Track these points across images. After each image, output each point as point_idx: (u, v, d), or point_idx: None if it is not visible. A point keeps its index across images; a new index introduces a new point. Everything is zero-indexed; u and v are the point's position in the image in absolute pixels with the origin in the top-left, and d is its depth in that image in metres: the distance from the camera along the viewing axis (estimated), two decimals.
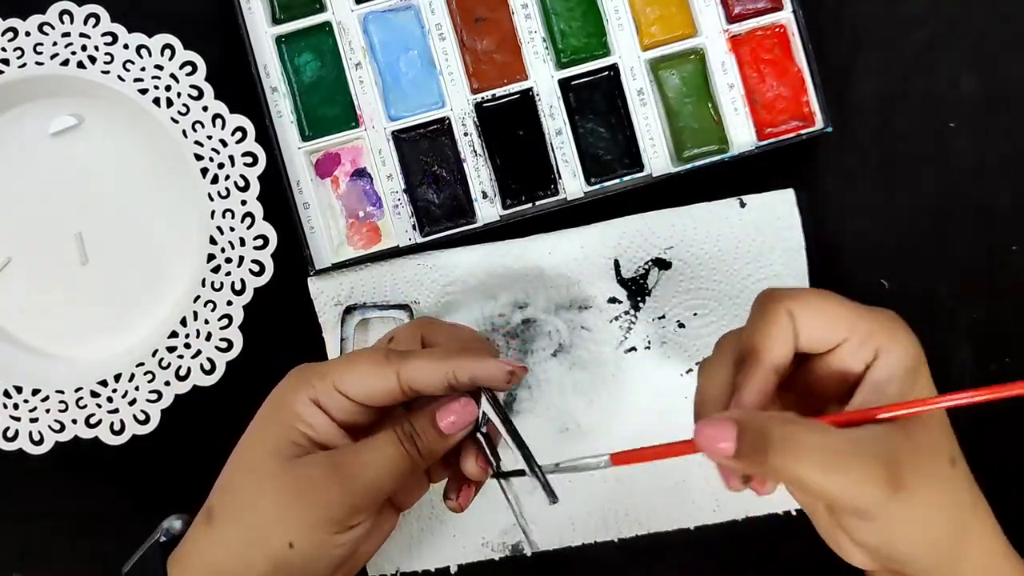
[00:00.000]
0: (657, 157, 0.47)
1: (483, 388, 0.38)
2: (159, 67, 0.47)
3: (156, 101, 0.47)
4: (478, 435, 0.39)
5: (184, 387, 0.47)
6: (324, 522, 0.36)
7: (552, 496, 0.39)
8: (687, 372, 0.48)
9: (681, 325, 0.48)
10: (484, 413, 0.39)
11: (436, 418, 0.38)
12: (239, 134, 0.47)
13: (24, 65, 0.47)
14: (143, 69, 0.47)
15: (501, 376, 0.38)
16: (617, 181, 0.47)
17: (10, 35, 0.47)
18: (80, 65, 0.47)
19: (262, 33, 0.47)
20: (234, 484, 0.38)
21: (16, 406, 0.47)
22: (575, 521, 0.48)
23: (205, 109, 0.47)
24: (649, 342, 0.48)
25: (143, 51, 0.47)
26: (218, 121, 0.47)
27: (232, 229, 0.47)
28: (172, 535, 0.40)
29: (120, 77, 0.47)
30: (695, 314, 0.48)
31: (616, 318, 0.48)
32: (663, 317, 0.48)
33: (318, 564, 0.37)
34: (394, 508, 0.42)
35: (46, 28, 0.47)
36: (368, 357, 0.38)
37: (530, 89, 0.47)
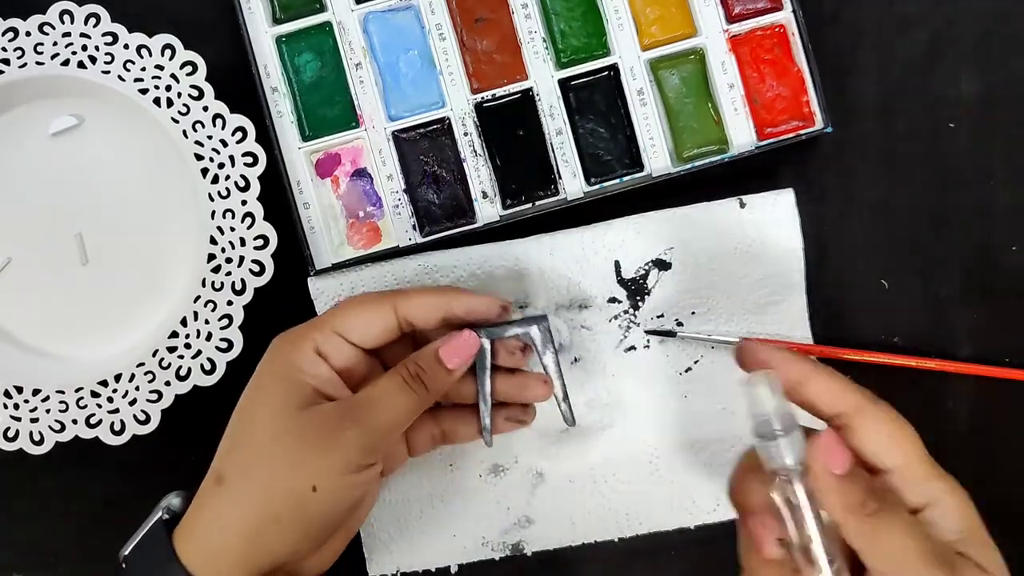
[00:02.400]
0: (657, 157, 0.47)
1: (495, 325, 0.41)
2: (159, 67, 0.47)
3: (156, 101, 0.47)
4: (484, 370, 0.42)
5: (184, 387, 0.47)
6: (344, 464, 0.37)
7: (570, 422, 0.43)
8: (686, 371, 0.48)
9: (680, 324, 0.48)
10: (484, 347, 0.41)
11: (440, 354, 0.39)
12: (239, 134, 0.47)
13: (24, 65, 0.47)
14: (143, 69, 0.47)
15: (495, 309, 0.41)
16: (617, 181, 0.47)
17: (10, 35, 0.47)
18: (80, 65, 0.47)
19: (262, 33, 0.47)
20: (243, 442, 0.38)
21: (16, 406, 0.47)
22: (575, 521, 0.48)
23: (205, 109, 0.47)
24: (648, 341, 0.48)
25: (143, 51, 0.47)
26: (218, 121, 0.47)
27: (232, 229, 0.47)
28: (174, 512, 0.39)
29: (120, 77, 0.47)
30: (693, 313, 0.48)
31: (615, 317, 0.48)
32: (662, 316, 0.48)
33: (339, 506, 0.38)
34: (406, 446, 0.44)
35: (46, 28, 0.47)
36: (363, 298, 0.40)
37: (530, 89, 0.47)
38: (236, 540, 0.36)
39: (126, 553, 0.39)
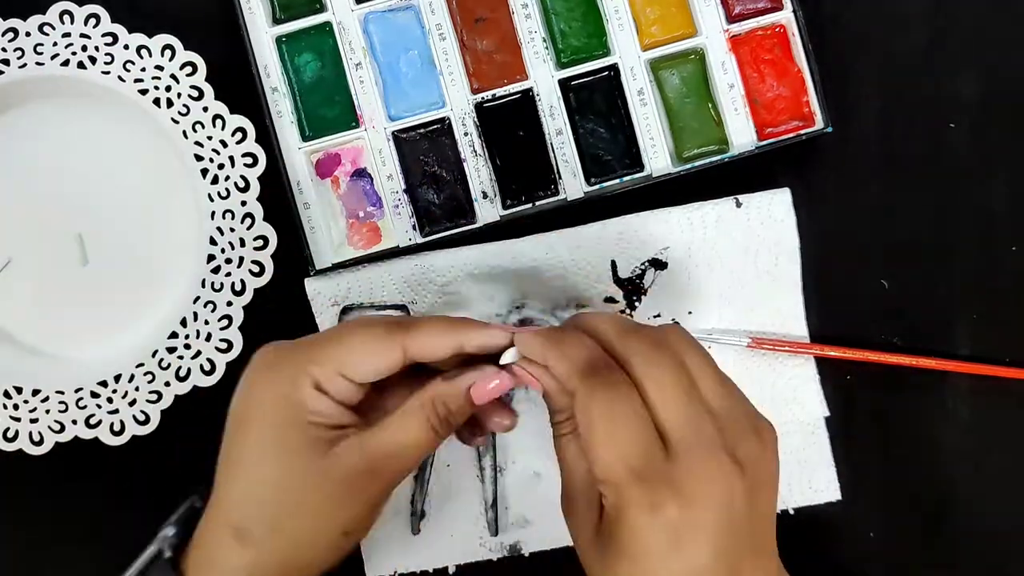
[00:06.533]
0: (657, 157, 0.47)
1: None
2: (159, 68, 0.47)
3: (156, 102, 0.47)
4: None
5: (184, 387, 0.47)
6: (371, 509, 0.37)
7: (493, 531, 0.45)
8: None
9: (676, 323, 0.48)
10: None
11: (472, 394, 0.37)
12: (239, 134, 0.47)
13: (24, 65, 0.47)
14: (143, 70, 0.47)
15: (506, 341, 0.38)
16: (617, 181, 0.47)
17: (10, 35, 0.47)
18: (80, 66, 0.47)
19: (262, 33, 0.47)
20: (264, 497, 0.37)
21: (16, 406, 0.47)
22: None
23: (205, 110, 0.47)
24: None
25: (143, 51, 0.47)
26: (218, 122, 0.47)
27: (232, 230, 0.47)
28: (173, 545, 0.38)
29: (120, 78, 0.47)
30: (690, 312, 0.48)
31: None
32: (659, 316, 0.48)
33: (359, 538, 0.39)
34: None
35: (46, 28, 0.47)
36: (367, 330, 0.37)
37: (530, 89, 0.47)
38: None
39: None
